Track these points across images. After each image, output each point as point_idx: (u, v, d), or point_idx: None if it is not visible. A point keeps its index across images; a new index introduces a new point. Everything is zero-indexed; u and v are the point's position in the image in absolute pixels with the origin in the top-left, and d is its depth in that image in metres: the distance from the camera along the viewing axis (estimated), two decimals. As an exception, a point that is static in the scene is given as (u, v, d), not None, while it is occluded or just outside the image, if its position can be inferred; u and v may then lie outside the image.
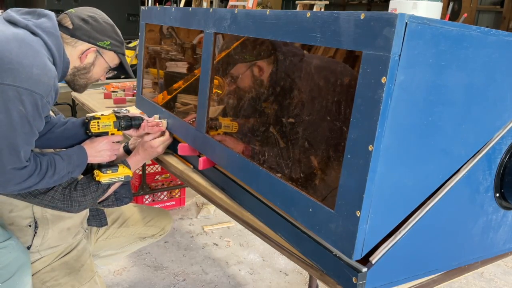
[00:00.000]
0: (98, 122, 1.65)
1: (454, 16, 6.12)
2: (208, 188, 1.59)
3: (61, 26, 1.55)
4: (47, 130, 1.67)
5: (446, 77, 0.96)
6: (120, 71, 1.77)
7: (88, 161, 1.62)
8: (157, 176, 3.29)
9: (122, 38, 1.69)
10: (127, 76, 3.74)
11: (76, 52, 1.57)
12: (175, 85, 1.94)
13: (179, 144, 1.72)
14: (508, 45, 1.05)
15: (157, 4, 7.43)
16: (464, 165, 1.10)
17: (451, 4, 4.46)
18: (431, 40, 0.90)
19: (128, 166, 1.71)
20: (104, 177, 1.66)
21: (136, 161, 1.75)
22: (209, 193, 1.57)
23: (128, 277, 2.45)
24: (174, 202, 3.29)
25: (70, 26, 1.55)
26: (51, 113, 1.75)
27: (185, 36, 1.94)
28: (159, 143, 1.77)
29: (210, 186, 1.60)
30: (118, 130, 1.70)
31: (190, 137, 1.68)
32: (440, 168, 1.06)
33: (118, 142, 1.72)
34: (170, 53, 2.06)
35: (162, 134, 1.81)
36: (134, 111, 2.33)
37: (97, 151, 1.63)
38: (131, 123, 1.75)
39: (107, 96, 3.08)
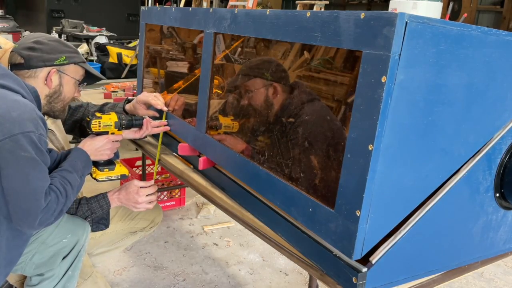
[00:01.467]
0: (99, 121, 1.65)
1: (454, 16, 6.12)
2: (208, 188, 1.59)
3: (14, 66, 1.55)
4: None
5: (446, 77, 0.96)
6: (91, 79, 1.75)
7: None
8: (157, 176, 3.29)
9: (74, 47, 1.67)
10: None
11: (40, 80, 1.57)
12: (176, 85, 1.94)
13: (179, 144, 1.72)
14: (508, 45, 1.05)
15: (157, 4, 7.43)
16: (464, 165, 1.10)
17: (451, 4, 4.46)
18: (431, 39, 0.90)
19: (107, 201, 1.65)
20: (101, 175, 1.66)
21: (116, 198, 1.69)
22: (209, 193, 1.57)
23: (128, 277, 2.45)
24: (174, 202, 3.29)
25: (22, 61, 1.55)
26: (52, 146, 1.74)
27: (186, 35, 1.94)
28: (143, 197, 1.68)
29: (210, 186, 1.60)
30: (118, 130, 1.71)
31: (190, 137, 1.68)
32: (440, 168, 1.06)
33: (118, 141, 1.72)
34: (170, 52, 2.06)
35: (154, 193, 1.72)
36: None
37: (98, 150, 1.64)
38: (132, 123, 1.75)
39: (107, 96, 3.07)
